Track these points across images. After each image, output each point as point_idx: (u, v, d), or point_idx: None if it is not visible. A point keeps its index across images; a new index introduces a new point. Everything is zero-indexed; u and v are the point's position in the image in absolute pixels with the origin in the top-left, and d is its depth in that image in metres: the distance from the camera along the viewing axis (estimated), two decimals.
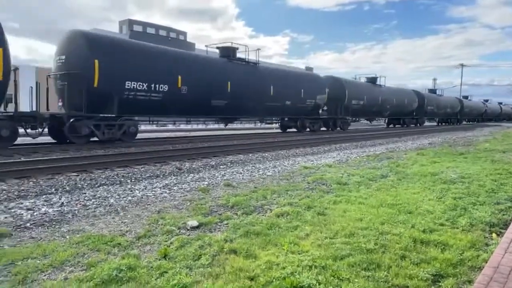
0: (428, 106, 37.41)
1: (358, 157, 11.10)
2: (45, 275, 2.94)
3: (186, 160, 9.88)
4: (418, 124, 37.47)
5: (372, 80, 30.33)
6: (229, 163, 9.59)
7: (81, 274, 2.92)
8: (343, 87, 24.77)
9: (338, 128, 25.07)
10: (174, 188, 6.38)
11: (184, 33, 52.48)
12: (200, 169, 8.66)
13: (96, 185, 6.56)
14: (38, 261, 3.17)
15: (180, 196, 5.73)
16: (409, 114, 35.12)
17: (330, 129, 24.44)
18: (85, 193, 5.85)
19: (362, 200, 5.43)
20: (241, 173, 8.01)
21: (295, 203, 5.18)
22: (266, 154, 11.52)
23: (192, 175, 7.76)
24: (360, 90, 26.92)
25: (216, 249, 3.44)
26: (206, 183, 6.85)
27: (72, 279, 2.85)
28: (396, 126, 35.05)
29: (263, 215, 4.66)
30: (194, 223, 4.21)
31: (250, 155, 11.31)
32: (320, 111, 23.59)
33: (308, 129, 22.28)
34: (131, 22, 48.15)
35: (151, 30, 45.90)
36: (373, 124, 38.09)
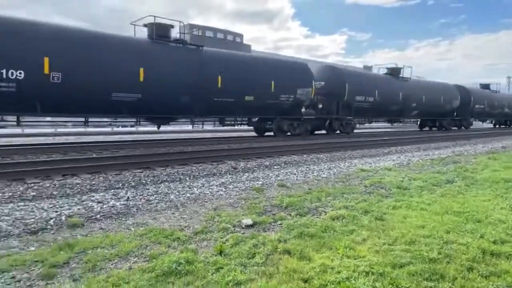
0: (476, 105, 29.82)
1: (420, 161, 10.50)
2: (112, 264, 3.17)
3: (241, 159, 10.06)
4: (463, 127, 30.14)
5: (393, 72, 23.63)
6: (283, 164, 9.59)
7: (144, 265, 3.11)
8: (343, 80, 19.45)
9: (338, 132, 19.94)
10: (230, 186, 6.54)
11: (240, 35, 53.49)
12: (255, 168, 8.77)
13: (158, 182, 6.94)
14: (106, 251, 3.43)
15: (236, 195, 5.86)
16: (449, 114, 28.23)
17: (328, 132, 19.75)
18: (148, 189, 6.22)
19: (424, 206, 5.13)
20: (295, 174, 7.97)
21: (351, 206, 5.04)
22: (321, 156, 11.34)
23: (247, 174, 7.89)
24: (368, 84, 21.10)
25: (270, 249, 3.47)
26: (261, 182, 6.93)
27: (135, 269, 3.04)
28: (433, 129, 28.38)
29: (317, 217, 4.59)
30: (249, 221, 4.28)
31: (305, 156, 11.21)
32: (303, 110, 18.35)
33: (289, 133, 17.20)
34: (191, 27, 50.17)
35: (209, 34, 47.49)
36: (395, 125, 31.35)
